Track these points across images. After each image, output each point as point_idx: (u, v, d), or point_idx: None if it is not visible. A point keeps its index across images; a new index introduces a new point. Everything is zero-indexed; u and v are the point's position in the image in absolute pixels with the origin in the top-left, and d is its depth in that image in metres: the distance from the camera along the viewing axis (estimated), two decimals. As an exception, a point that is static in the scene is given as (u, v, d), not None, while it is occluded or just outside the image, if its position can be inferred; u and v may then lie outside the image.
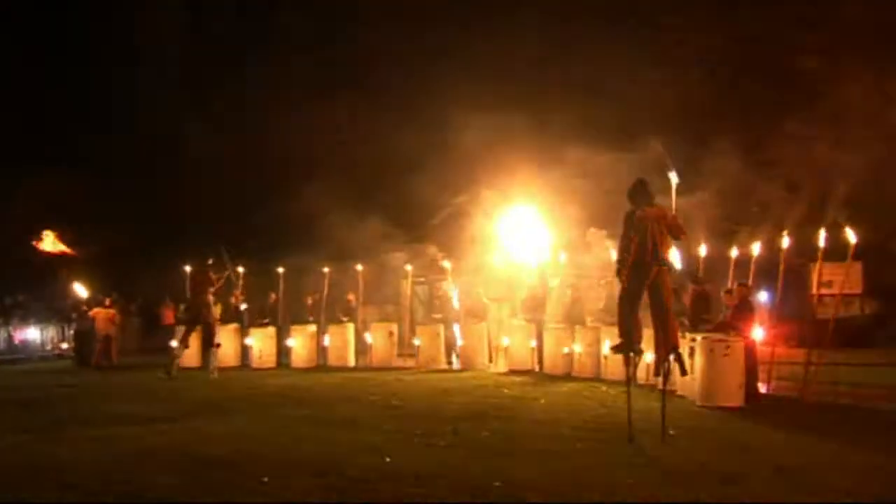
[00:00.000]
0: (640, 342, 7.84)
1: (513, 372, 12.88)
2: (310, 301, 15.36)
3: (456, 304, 15.44)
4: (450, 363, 14.10)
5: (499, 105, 14.71)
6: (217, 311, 13.01)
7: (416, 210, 17.09)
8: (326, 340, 14.31)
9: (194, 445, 7.62)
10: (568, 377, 12.01)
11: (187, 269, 13.55)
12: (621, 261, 7.74)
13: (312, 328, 14.61)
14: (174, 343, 12.91)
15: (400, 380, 12.32)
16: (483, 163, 15.13)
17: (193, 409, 9.72)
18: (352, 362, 14.40)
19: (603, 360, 11.54)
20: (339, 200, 15.00)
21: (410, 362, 14.06)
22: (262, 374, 13.44)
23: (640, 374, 10.35)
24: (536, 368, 12.79)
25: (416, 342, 13.96)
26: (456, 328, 14.47)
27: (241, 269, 14.33)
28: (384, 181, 17.12)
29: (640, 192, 7.78)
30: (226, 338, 13.99)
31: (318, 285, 15.26)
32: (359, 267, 15.09)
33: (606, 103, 15.11)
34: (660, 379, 8.00)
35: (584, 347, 12.10)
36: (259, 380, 12.64)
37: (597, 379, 11.61)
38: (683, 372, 8.15)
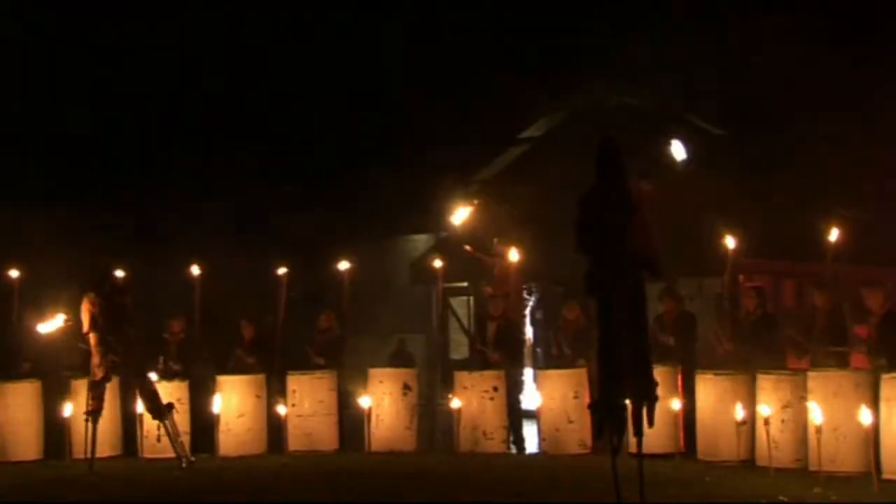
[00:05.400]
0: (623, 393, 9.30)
1: (637, 457, 12.70)
2: (248, 330, 14.97)
3: (529, 332, 15.95)
4: (516, 442, 14.04)
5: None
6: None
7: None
8: (282, 407, 13.91)
9: None
10: (749, 465, 12.19)
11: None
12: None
13: (256, 380, 14.34)
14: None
15: (419, 474, 12.33)
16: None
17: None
18: (332, 443, 14.24)
19: (813, 436, 11.37)
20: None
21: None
22: (160, 468, 13.13)
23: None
24: (682, 449, 12.80)
25: (455, 404, 13.61)
26: (528, 375, 14.74)
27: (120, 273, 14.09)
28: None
29: (608, 158, 9.10)
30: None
31: (264, 299, 15.30)
32: (343, 265, 14.93)
33: None
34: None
35: (778, 410, 11.93)
36: (152, 482, 12.43)
37: (802, 469, 11.64)
38: (650, 423, 9.43)
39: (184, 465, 12.88)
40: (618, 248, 8.98)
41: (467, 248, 14.80)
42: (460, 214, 14.91)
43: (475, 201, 14.88)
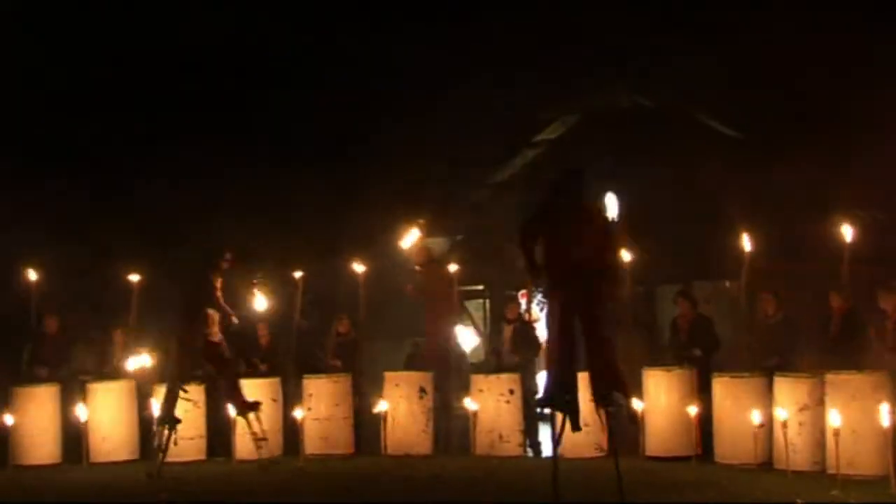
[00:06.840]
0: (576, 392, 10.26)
1: (653, 460, 12.90)
2: (264, 334, 14.93)
3: (544, 331, 15.96)
4: (532, 446, 14.08)
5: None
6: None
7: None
8: (299, 411, 13.83)
9: None
10: (766, 468, 12.15)
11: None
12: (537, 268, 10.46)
13: (271, 383, 14.37)
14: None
15: (434, 478, 12.26)
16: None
17: None
18: (348, 447, 14.25)
19: (831, 439, 11.34)
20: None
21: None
22: (178, 471, 13.10)
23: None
24: (698, 452, 12.77)
25: (471, 406, 13.57)
26: (541, 378, 14.13)
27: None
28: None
29: (574, 183, 10.53)
30: (105, 401, 13.92)
31: (281, 301, 15.10)
32: (358, 267, 14.83)
33: None
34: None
35: (795, 413, 11.95)
36: (169, 486, 12.27)
37: (820, 472, 11.67)
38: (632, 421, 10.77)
39: (153, 474, 12.84)
40: (571, 253, 10.08)
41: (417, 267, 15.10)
42: (410, 237, 15.06)
43: (422, 222, 15.10)
